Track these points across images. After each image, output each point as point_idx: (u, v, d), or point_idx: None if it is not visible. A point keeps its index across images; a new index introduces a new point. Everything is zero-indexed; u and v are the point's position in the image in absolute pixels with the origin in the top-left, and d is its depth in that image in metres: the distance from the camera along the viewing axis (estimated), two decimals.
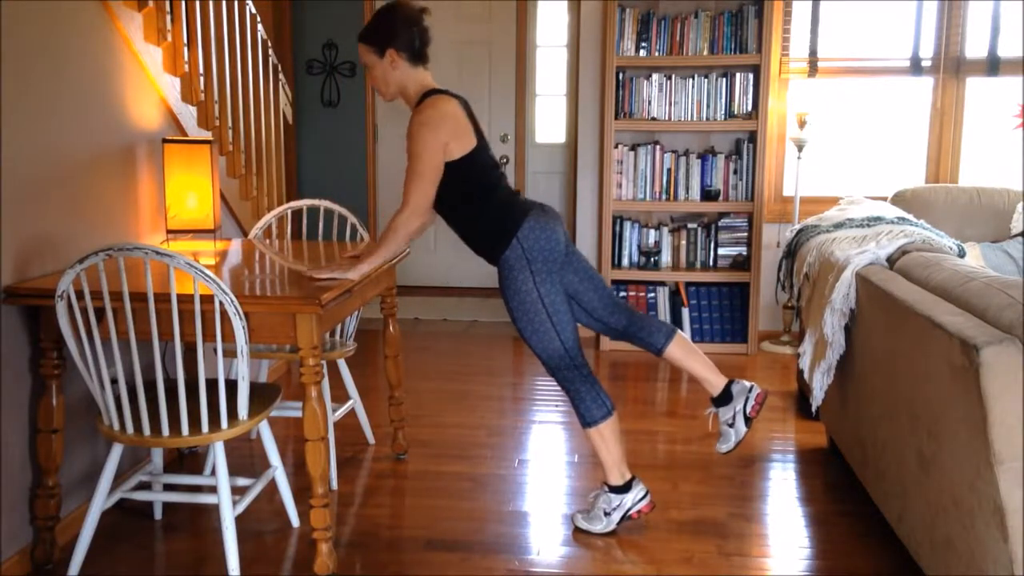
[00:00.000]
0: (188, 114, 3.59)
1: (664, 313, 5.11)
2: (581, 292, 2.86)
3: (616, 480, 2.84)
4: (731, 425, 2.86)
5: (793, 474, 3.36)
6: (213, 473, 2.51)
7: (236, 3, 3.95)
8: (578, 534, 2.86)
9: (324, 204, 3.62)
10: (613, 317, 2.90)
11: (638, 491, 2.86)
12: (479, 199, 2.73)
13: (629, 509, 2.85)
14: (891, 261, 2.84)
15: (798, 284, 3.51)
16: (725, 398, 2.86)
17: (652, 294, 5.13)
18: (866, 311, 2.76)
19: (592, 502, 2.91)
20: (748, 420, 2.85)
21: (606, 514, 2.85)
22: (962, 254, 3.05)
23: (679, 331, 2.91)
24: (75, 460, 2.85)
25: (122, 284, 2.28)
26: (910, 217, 3.38)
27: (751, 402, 2.85)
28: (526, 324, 2.75)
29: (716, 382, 2.87)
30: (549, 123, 6.47)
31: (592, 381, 2.81)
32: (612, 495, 2.85)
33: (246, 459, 3.46)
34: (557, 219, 2.80)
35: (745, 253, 5.03)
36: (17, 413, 2.56)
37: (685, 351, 2.88)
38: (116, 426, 2.43)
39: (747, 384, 2.87)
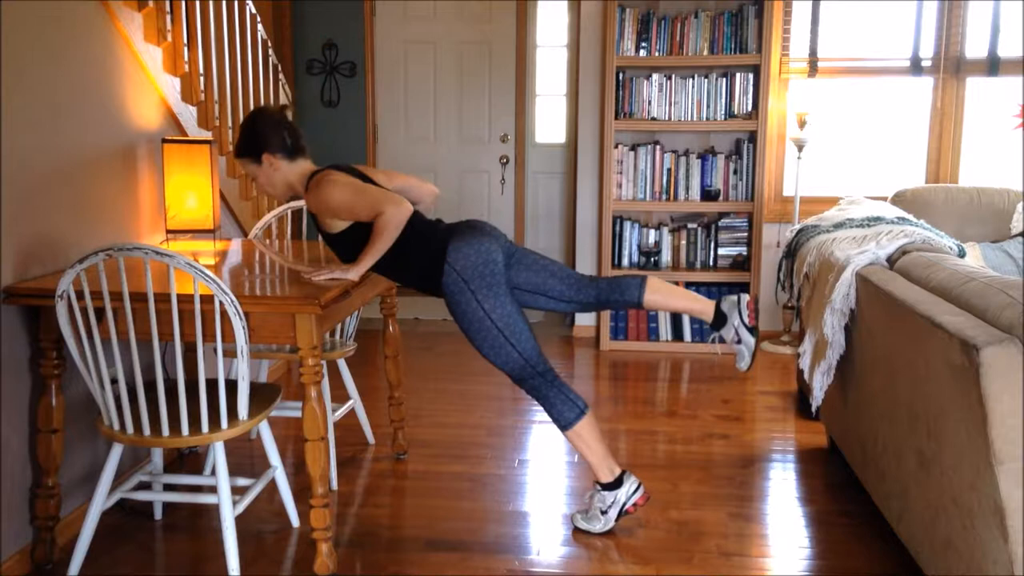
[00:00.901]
0: (188, 114, 3.59)
1: (664, 314, 5.11)
2: (541, 284, 2.86)
3: (606, 477, 2.85)
4: (739, 341, 2.87)
5: (793, 474, 3.36)
6: (213, 473, 2.51)
7: (236, 3, 3.95)
8: (578, 534, 2.86)
9: None
10: (582, 294, 2.90)
11: (630, 485, 2.86)
12: (399, 242, 2.73)
13: (625, 504, 2.86)
14: (891, 261, 2.84)
15: (798, 284, 3.51)
16: (720, 320, 2.87)
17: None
18: (866, 311, 2.76)
19: (588, 502, 2.92)
20: (751, 329, 2.86)
21: (603, 512, 2.86)
22: (962, 254, 3.05)
23: (649, 276, 2.89)
24: (75, 460, 2.85)
25: (122, 284, 2.29)
26: (910, 217, 3.38)
27: (744, 312, 2.86)
28: (481, 343, 2.77)
29: (705, 309, 2.88)
30: (549, 123, 6.47)
31: (559, 385, 2.82)
32: (605, 493, 2.86)
33: (246, 459, 3.46)
34: (485, 231, 2.80)
35: (745, 253, 5.04)
36: (17, 413, 2.56)
37: (663, 293, 2.88)
38: (116, 426, 2.43)
39: (733, 298, 2.88)
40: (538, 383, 2.80)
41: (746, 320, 2.85)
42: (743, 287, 5.05)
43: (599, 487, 2.87)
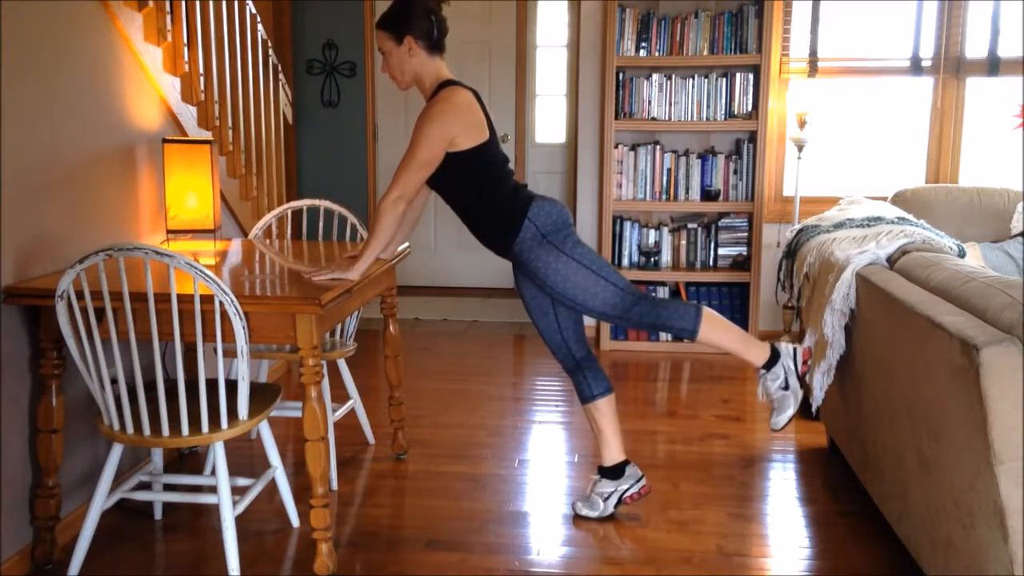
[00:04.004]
0: (188, 114, 3.59)
1: None
2: (562, 308, 2.89)
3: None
4: (604, 500, 2.93)
5: (793, 474, 3.36)
6: (213, 473, 2.51)
7: (236, 3, 3.95)
8: (578, 531, 2.86)
9: (324, 204, 3.62)
10: (576, 345, 2.94)
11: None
12: (488, 189, 2.74)
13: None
14: (891, 261, 2.84)
15: (798, 284, 3.51)
16: (615, 473, 2.93)
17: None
18: (866, 311, 2.76)
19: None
20: (620, 502, 2.93)
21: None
22: (962, 254, 3.05)
23: (614, 392, 2.95)
24: (75, 460, 2.85)
25: (122, 284, 2.29)
26: (910, 217, 3.37)
27: (633, 489, 2.93)
28: (573, 290, 2.73)
29: (616, 455, 2.93)
30: (549, 123, 6.46)
31: (666, 301, 2.78)
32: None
33: (246, 459, 3.46)
34: (564, 206, 2.83)
35: (745, 253, 5.03)
36: (17, 413, 2.56)
37: (612, 412, 2.93)
38: (116, 426, 2.43)
39: (639, 472, 2.95)
40: (645, 307, 2.76)
41: (627, 495, 2.92)
42: (742, 287, 5.05)
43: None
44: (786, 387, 2.78)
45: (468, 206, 2.78)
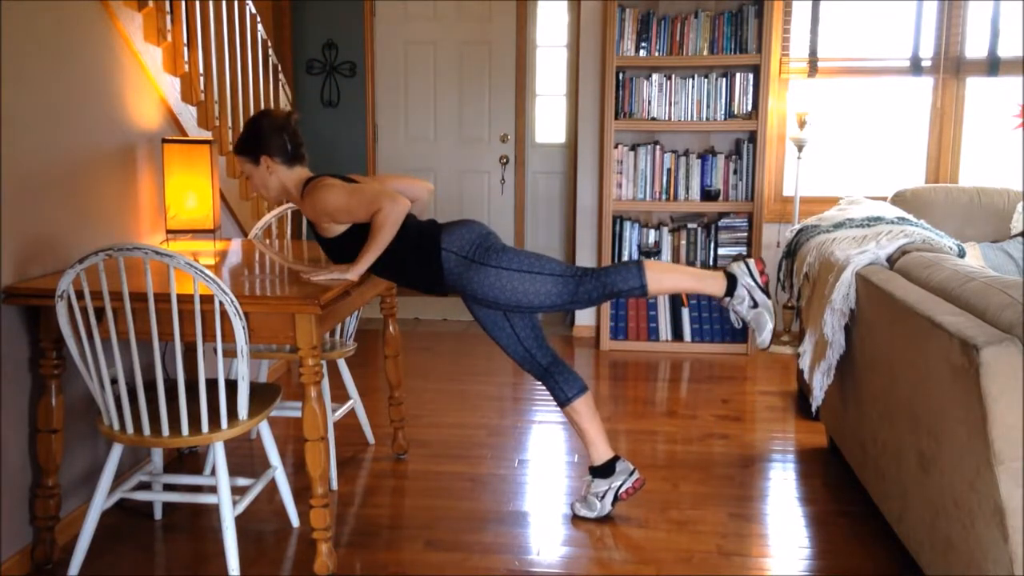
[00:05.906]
0: (188, 114, 3.59)
1: (664, 313, 5.11)
2: (516, 318, 2.89)
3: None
4: (600, 499, 2.93)
5: (793, 474, 3.36)
6: (213, 473, 2.51)
7: (236, 3, 3.95)
8: (578, 531, 2.86)
9: None
10: (540, 351, 2.94)
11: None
12: (395, 243, 2.73)
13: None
14: (891, 261, 2.84)
15: (798, 284, 3.51)
16: (606, 471, 2.93)
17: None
18: (866, 311, 2.76)
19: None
20: (616, 499, 2.93)
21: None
22: (962, 254, 3.05)
23: (588, 393, 2.94)
24: (75, 460, 2.85)
25: (122, 284, 2.29)
26: (910, 217, 3.37)
27: (627, 484, 2.92)
28: (517, 297, 2.74)
29: (604, 453, 2.93)
30: (549, 123, 6.46)
31: (610, 268, 2.76)
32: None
33: (246, 459, 3.46)
34: (476, 222, 2.85)
35: (745, 253, 5.03)
36: (17, 413, 2.56)
37: (590, 411, 2.93)
38: (116, 426, 2.43)
39: (630, 466, 2.94)
40: (590, 283, 2.75)
41: (622, 491, 2.91)
42: None
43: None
44: (755, 304, 2.76)
45: (389, 263, 2.76)
